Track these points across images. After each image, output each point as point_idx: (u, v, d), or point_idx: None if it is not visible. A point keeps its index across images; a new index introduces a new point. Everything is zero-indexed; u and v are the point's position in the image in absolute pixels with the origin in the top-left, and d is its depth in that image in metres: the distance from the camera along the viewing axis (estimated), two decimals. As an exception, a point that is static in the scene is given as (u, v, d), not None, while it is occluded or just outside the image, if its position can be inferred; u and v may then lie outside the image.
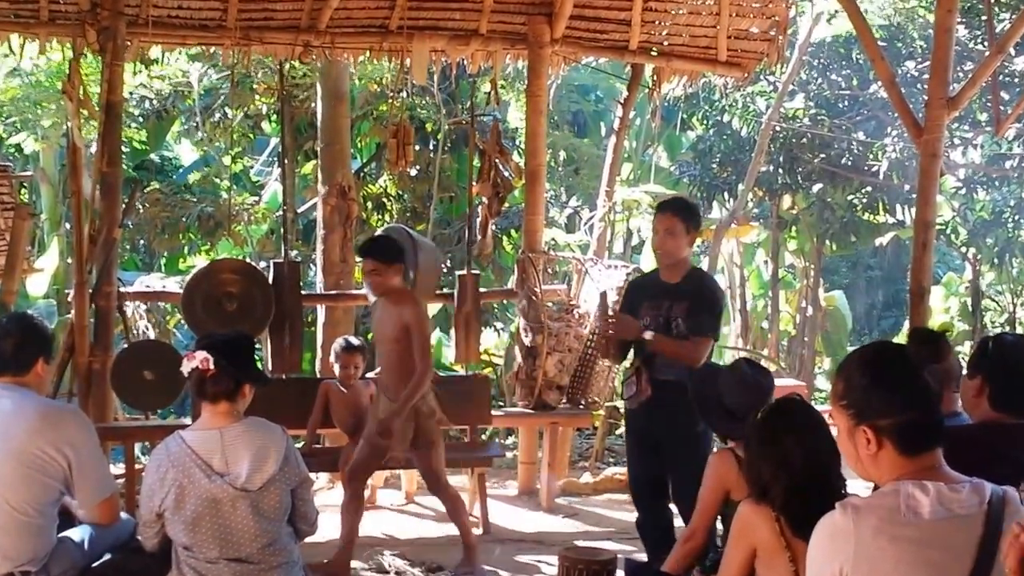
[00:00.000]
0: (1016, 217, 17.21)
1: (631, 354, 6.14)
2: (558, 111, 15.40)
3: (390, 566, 6.85)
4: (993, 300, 20.46)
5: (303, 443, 7.50)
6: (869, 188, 16.60)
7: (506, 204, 9.40)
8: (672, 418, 5.51)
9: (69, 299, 8.09)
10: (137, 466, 7.36)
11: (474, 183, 9.25)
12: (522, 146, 9.36)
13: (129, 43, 8.07)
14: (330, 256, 10.25)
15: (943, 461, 2.77)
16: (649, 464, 6.06)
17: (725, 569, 3.86)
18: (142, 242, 16.68)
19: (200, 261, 14.08)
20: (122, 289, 8.30)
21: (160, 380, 7.35)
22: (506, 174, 9.03)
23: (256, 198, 16.85)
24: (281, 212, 10.23)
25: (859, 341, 20.33)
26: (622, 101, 10.13)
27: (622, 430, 10.47)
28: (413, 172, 13.54)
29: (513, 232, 14.44)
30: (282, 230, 9.75)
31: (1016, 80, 14.27)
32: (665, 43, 9.16)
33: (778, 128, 15.49)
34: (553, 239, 12.48)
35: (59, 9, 7.95)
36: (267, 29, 8.53)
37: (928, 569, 2.64)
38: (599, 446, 10.14)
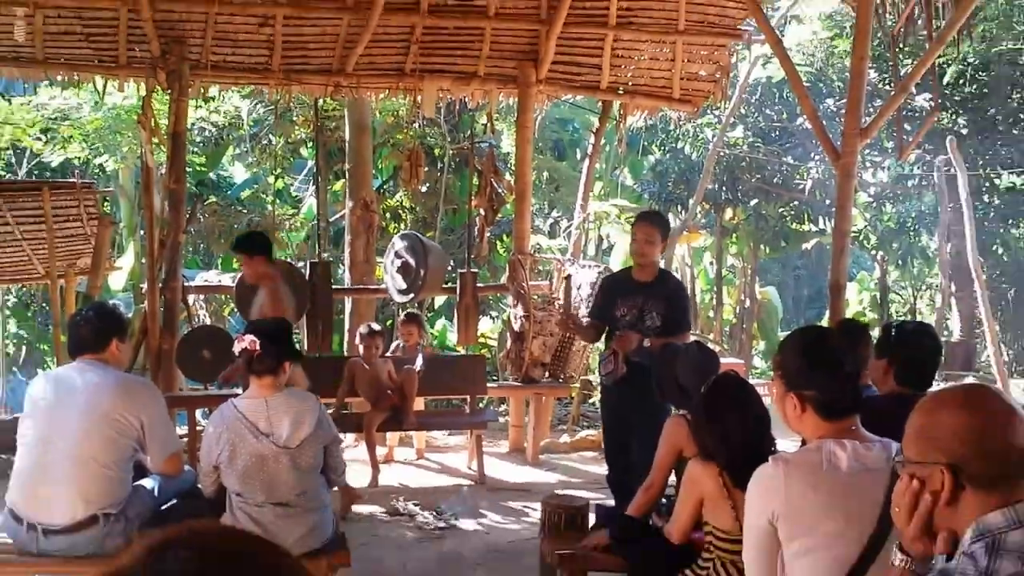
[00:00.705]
0: (917, 226, 17.25)
1: (603, 337, 6.14)
2: (542, 139, 15.39)
3: (404, 509, 6.86)
4: (897, 294, 20.53)
5: (333, 409, 7.50)
6: (796, 202, 16.63)
7: (499, 215, 9.40)
8: (640, 394, 5.49)
9: (143, 292, 8.09)
10: (197, 428, 7.35)
11: (473, 198, 9.24)
12: (513, 167, 9.33)
13: (192, 83, 8.06)
14: (355, 257, 10.23)
15: (860, 425, 2.79)
16: (619, 431, 6.06)
17: (678, 514, 3.87)
18: (202, 245, 16.64)
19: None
20: (185, 284, 8.30)
21: (216, 358, 7.34)
22: (499, 191, 9.03)
23: (295, 210, 16.83)
24: (315, 222, 10.22)
25: (788, 328, 20.31)
26: (594, 131, 10.14)
27: (594, 399, 10.47)
28: (423, 189, 13.51)
29: (505, 237, 14.45)
30: (316, 236, 9.73)
31: (916, 114, 14.28)
32: (630, 83, 9.14)
33: (722, 153, 15.51)
34: (538, 244, 12.47)
35: (135, 55, 7.93)
36: (304, 72, 8.50)
37: (845, 512, 2.65)
38: (575, 412, 10.13)
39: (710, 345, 6.95)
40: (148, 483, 4.47)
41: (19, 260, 9.79)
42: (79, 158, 14.44)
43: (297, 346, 5.42)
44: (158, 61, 7.78)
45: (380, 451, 7.90)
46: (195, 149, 15.09)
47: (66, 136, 13.36)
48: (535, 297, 8.69)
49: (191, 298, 8.81)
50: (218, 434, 4.20)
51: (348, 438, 8.65)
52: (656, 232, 5.91)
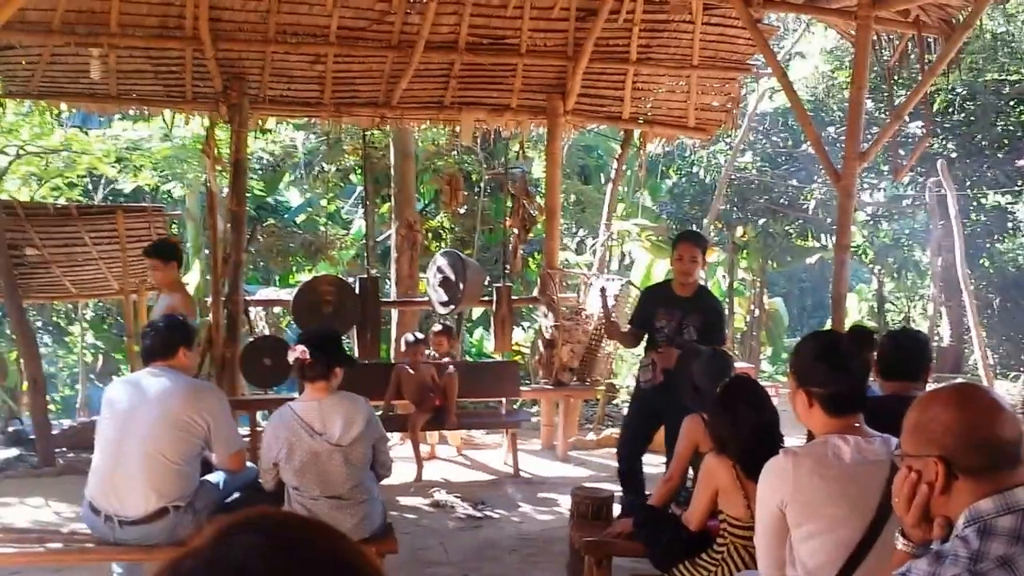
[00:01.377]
0: (910, 242, 17.15)
1: (644, 346, 6.10)
2: (569, 164, 15.39)
3: (445, 502, 6.86)
4: (893, 304, 20.36)
5: (380, 411, 7.52)
6: (801, 221, 16.58)
7: (531, 234, 9.39)
8: (672, 396, 5.41)
9: (208, 306, 8.14)
10: (258, 428, 7.39)
11: (507, 219, 9.26)
12: (543, 191, 9.33)
13: (251, 116, 8.11)
14: (401, 273, 10.26)
15: (863, 421, 2.78)
16: (643, 430, 6.04)
17: (695, 504, 3.86)
18: (262, 263, 16.74)
19: (304, 277, 14.14)
20: (246, 298, 8.35)
21: (275, 365, 7.38)
22: (531, 212, 9.04)
23: (346, 231, 16.91)
24: (364, 241, 10.25)
25: (794, 335, 20.22)
26: (617, 157, 10.11)
27: (618, 400, 10.44)
28: (462, 211, 13.52)
29: (536, 254, 14.38)
30: (365, 254, 9.77)
31: (909, 140, 14.18)
32: (649, 113, 9.12)
33: (733, 176, 15.48)
34: (566, 260, 12.47)
35: (199, 91, 7.99)
36: (353, 105, 8.54)
37: (848, 501, 2.65)
38: (601, 413, 10.09)
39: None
40: (214, 478, 4.49)
41: (96, 277, 9.88)
42: (149, 184, 14.57)
43: (348, 352, 5.41)
44: (220, 96, 7.85)
45: (423, 449, 7.91)
46: (254, 176, 15.21)
47: (138, 165, 13.48)
48: (564, 308, 8.69)
49: (252, 311, 8.85)
50: (277, 434, 4.22)
51: (393, 437, 8.69)
52: (699, 251, 5.87)
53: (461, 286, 8.14)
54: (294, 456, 4.16)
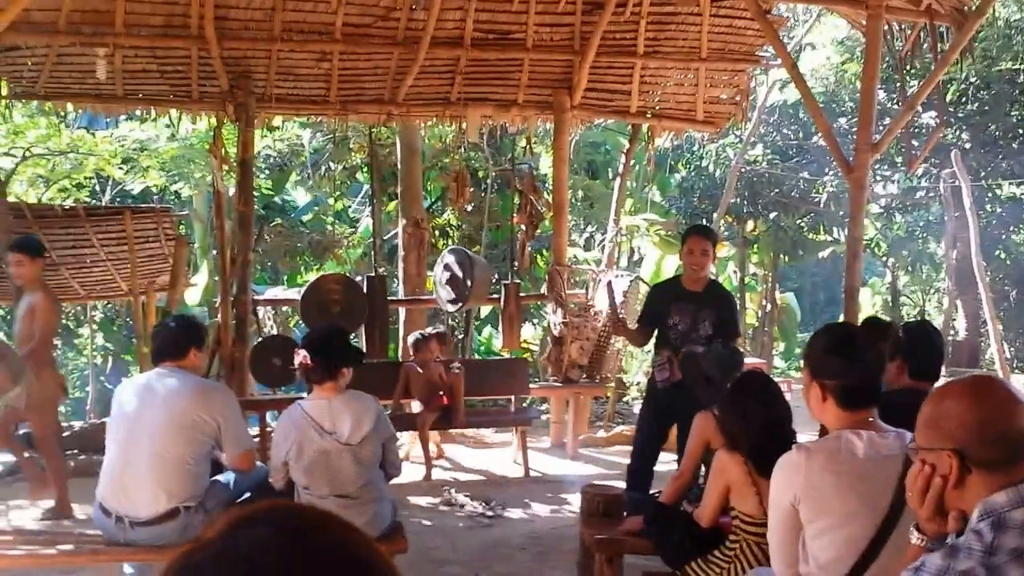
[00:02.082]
0: (924, 234, 17.10)
1: (654, 342, 6.07)
2: (577, 160, 15.38)
3: (455, 500, 6.88)
4: (908, 298, 20.31)
5: (390, 410, 7.54)
6: (813, 214, 16.56)
7: (539, 231, 9.40)
8: (686, 395, 5.37)
9: (217, 306, 8.16)
10: (268, 428, 7.41)
11: (514, 215, 9.26)
12: (550, 187, 9.33)
13: (257, 114, 8.13)
14: (408, 271, 10.25)
15: (877, 416, 2.77)
16: (657, 427, 6.00)
17: (706, 500, 3.86)
18: (269, 263, 16.80)
19: (312, 276, 14.18)
20: (255, 298, 8.36)
21: (284, 365, 7.40)
22: (539, 208, 9.03)
23: (353, 229, 16.94)
24: (371, 239, 10.27)
25: (807, 330, 20.16)
26: (625, 152, 10.11)
27: (629, 397, 10.43)
28: (469, 208, 13.55)
29: (544, 251, 14.43)
30: (372, 252, 9.78)
31: (923, 131, 14.13)
32: (657, 107, 9.10)
33: (743, 170, 15.45)
34: (574, 256, 12.47)
35: (205, 90, 8.02)
36: (359, 102, 8.55)
37: (861, 496, 2.65)
38: (611, 410, 10.09)
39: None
40: (224, 478, 4.51)
41: (105, 279, 9.92)
42: (157, 185, 14.63)
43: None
44: (227, 95, 7.87)
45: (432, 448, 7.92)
46: (261, 175, 15.27)
47: (145, 165, 13.53)
48: (572, 305, 8.69)
49: (260, 310, 8.88)
50: (286, 433, 4.24)
51: (403, 436, 8.70)
52: (709, 244, 5.83)
53: (469, 284, 8.14)
54: (304, 455, 4.18)
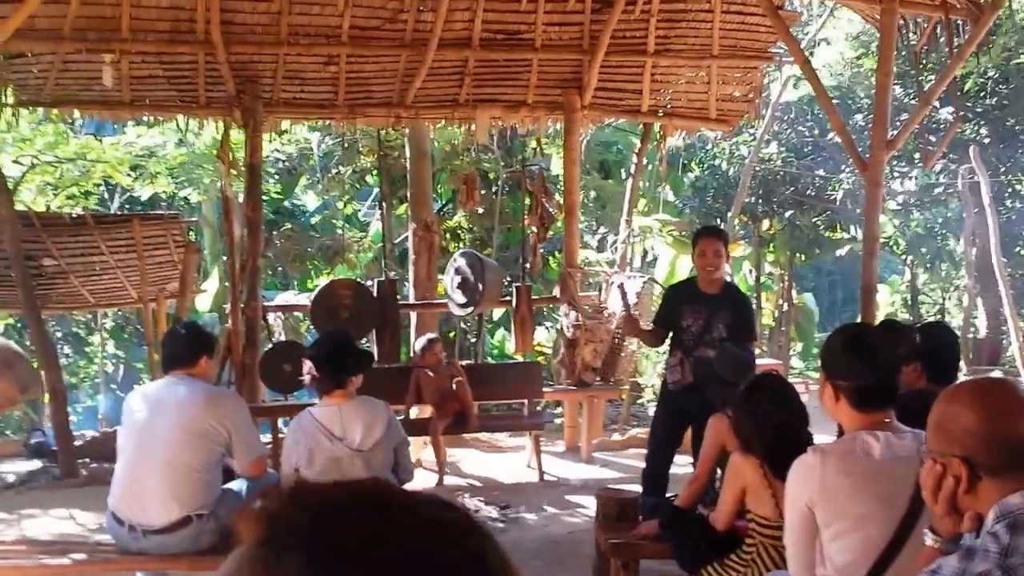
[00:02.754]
0: (943, 231, 17.01)
1: (668, 344, 6.06)
2: (588, 160, 15.35)
3: (469, 505, 6.87)
4: (927, 295, 20.20)
5: (401, 416, 7.56)
6: (829, 212, 16.47)
7: (550, 232, 9.40)
8: (702, 395, 5.35)
9: (227, 312, 8.20)
10: (280, 435, 7.43)
11: (526, 217, 9.27)
12: (561, 188, 9.33)
13: (265, 119, 8.17)
14: (419, 275, 10.27)
15: (893, 417, 2.77)
16: (671, 430, 5.99)
17: (722, 504, 3.86)
18: (279, 268, 16.84)
19: (323, 281, 14.22)
20: (265, 303, 8.40)
21: (295, 371, 7.39)
22: (550, 210, 9.03)
23: (363, 233, 16.97)
24: (382, 243, 10.29)
25: (824, 330, 20.07)
26: (636, 151, 10.11)
27: (643, 400, 10.43)
28: (480, 210, 13.56)
29: (556, 253, 14.40)
30: (383, 256, 9.81)
31: (940, 126, 14.07)
32: (668, 106, 9.10)
33: (757, 168, 15.40)
34: (587, 258, 12.46)
35: (213, 95, 8.06)
36: (368, 105, 8.58)
37: (878, 497, 2.64)
38: (625, 413, 10.10)
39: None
40: (235, 485, 4.53)
41: (114, 286, 9.98)
42: (166, 191, 14.71)
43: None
44: (234, 100, 7.91)
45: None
46: (270, 179, 15.31)
47: (153, 171, 13.61)
48: (585, 307, 8.69)
49: (270, 316, 8.91)
50: (297, 439, 4.26)
51: (416, 441, 8.71)
52: (721, 244, 5.80)
53: (480, 287, 8.15)
54: (314, 462, 4.19)
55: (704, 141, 14.83)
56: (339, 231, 16.75)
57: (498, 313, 14.66)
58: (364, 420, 4.23)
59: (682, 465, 6.25)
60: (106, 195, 15.80)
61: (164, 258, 9.58)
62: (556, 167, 13.73)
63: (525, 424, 8.29)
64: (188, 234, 10.12)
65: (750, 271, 17.46)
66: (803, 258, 17.75)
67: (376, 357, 8.55)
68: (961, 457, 1.91)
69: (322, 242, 15.88)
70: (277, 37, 7.79)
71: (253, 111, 7.85)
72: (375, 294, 8.26)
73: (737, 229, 16.25)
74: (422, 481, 7.16)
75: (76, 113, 8.34)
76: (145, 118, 8.82)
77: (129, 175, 13.60)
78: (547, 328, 14.46)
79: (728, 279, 6.21)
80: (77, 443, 8.30)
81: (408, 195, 11.11)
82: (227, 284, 9.33)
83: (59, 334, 16.60)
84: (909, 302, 19.12)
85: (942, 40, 6.67)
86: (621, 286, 6.66)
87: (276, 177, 15.83)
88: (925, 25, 6.92)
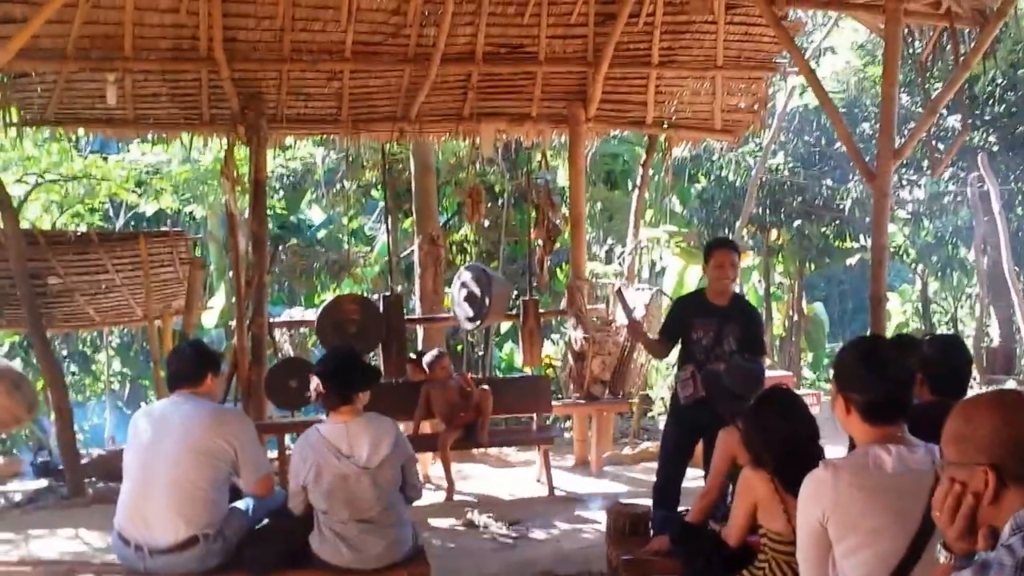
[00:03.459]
0: (954, 240, 16.97)
1: (676, 355, 6.04)
2: (594, 172, 15.36)
3: (479, 521, 6.86)
4: (939, 305, 20.13)
5: (411, 431, 7.56)
6: (838, 221, 16.45)
7: (557, 245, 9.40)
8: (713, 409, 5.30)
9: (233, 329, 8.21)
10: (287, 452, 7.43)
11: (532, 230, 9.27)
12: (567, 200, 9.34)
13: (269, 135, 8.20)
14: (425, 289, 10.27)
15: (906, 430, 2.76)
16: (682, 444, 5.96)
17: (733, 519, 3.84)
18: (285, 283, 16.87)
19: (329, 296, 14.23)
20: (271, 319, 8.40)
21: (301, 387, 7.40)
22: (556, 222, 9.03)
23: (369, 247, 17.00)
24: (387, 257, 10.31)
25: (835, 340, 20.03)
26: (642, 163, 10.12)
27: (653, 413, 10.40)
28: (486, 223, 13.57)
29: (563, 265, 14.40)
30: (389, 270, 9.82)
31: (948, 134, 14.06)
32: (673, 117, 9.12)
33: (764, 178, 15.42)
34: (594, 270, 12.45)
35: (217, 112, 8.10)
36: (371, 120, 8.61)
37: (891, 512, 2.62)
38: (635, 426, 10.07)
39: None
40: (242, 504, 4.52)
41: (120, 304, 9.99)
42: (171, 208, 14.74)
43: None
44: (238, 117, 7.94)
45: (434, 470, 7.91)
46: (275, 195, 15.35)
47: (158, 188, 13.65)
48: (593, 320, 8.69)
49: (277, 332, 8.92)
50: (304, 457, 4.26)
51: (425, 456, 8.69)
52: (736, 255, 5.81)
53: (487, 301, 8.15)
54: (322, 479, 4.19)
55: (710, 152, 14.83)
56: (345, 246, 16.79)
57: (506, 326, 14.65)
58: (371, 437, 4.24)
59: (694, 479, 6.23)
60: (111, 212, 15.85)
61: (169, 275, 9.59)
62: (562, 179, 13.75)
63: (534, 438, 8.27)
64: (193, 250, 10.12)
65: (759, 281, 17.43)
66: (813, 268, 17.73)
67: (383, 372, 8.57)
68: (988, 465, 1.89)
69: (328, 257, 15.92)
70: (280, 54, 7.82)
71: (257, 127, 7.87)
72: (381, 309, 8.26)
73: (745, 239, 16.24)
74: (429, 497, 7.15)
75: (80, 131, 8.36)
76: (149, 136, 8.84)
77: (134, 192, 13.65)
78: (555, 341, 14.45)
79: (736, 291, 6.19)
80: (84, 462, 8.31)
81: (413, 209, 11.13)
82: (233, 300, 9.34)
83: (65, 352, 16.63)
84: (920, 311, 19.06)
85: (948, 48, 6.68)
86: (619, 291, 6.65)
87: (281, 192, 15.87)
88: (930, 34, 6.93)
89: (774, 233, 16.82)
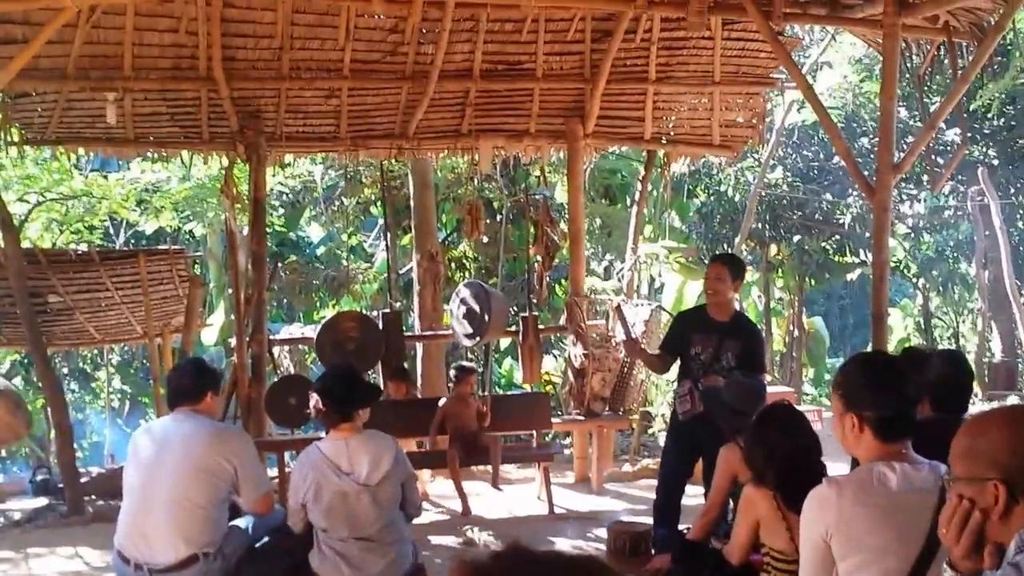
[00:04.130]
0: (955, 254, 17.00)
1: (676, 370, 6.02)
2: (593, 187, 15.40)
3: (479, 540, 6.84)
4: (940, 319, 20.13)
5: (427, 446, 7.58)
6: (837, 236, 16.49)
7: (556, 261, 9.41)
8: (714, 426, 5.30)
9: (232, 346, 8.20)
10: (287, 469, 7.41)
11: (531, 246, 9.28)
12: (566, 216, 9.35)
13: (268, 153, 8.22)
14: (424, 305, 10.29)
15: (911, 447, 2.75)
16: (681, 461, 5.95)
17: (735, 537, 3.83)
18: (285, 300, 16.87)
19: (328, 313, 14.22)
20: (271, 337, 8.39)
21: (301, 404, 7.40)
22: (555, 238, 9.04)
23: (368, 264, 17.01)
24: (387, 274, 10.31)
25: (836, 355, 20.06)
26: (641, 178, 10.13)
27: (654, 429, 10.37)
28: (485, 239, 13.59)
29: (562, 281, 14.40)
30: (388, 287, 9.82)
31: (947, 148, 14.09)
32: (671, 133, 9.13)
33: (763, 194, 15.45)
34: (593, 286, 12.44)
35: (216, 131, 8.11)
36: (370, 137, 8.62)
37: (895, 530, 2.61)
38: (636, 443, 10.04)
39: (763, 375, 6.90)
40: (242, 522, 4.52)
41: (120, 322, 10.01)
42: (170, 226, 14.76)
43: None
44: (237, 135, 7.96)
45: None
46: (275, 212, 15.37)
47: (158, 206, 13.67)
48: (593, 336, 8.68)
49: (276, 350, 8.91)
50: (304, 474, 4.25)
51: (425, 473, 8.66)
52: (725, 270, 5.77)
53: (486, 318, 8.14)
54: (322, 497, 4.19)
55: (709, 167, 14.88)
56: (344, 263, 16.80)
57: (505, 342, 14.65)
58: (371, 454, 4.23)
59: (694, 496, 6.21)
60: (112, 230, 15.87)
61: (169, 293, 9.62)
62: (560, 195, 13.77)
63: (534, 455, 8.25)
64: (193, 268, 10.14)
65: (759, 296, 17.44)
66: (813, 283, 17.75)
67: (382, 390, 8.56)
68: (999, 480, 1.88)
69: (327, 274, 15.94)
70: (279, 72, 7.84)
71: (256, 145, 7.90)
72: (381, 325, 8.26)
73: (745, 254, 16.25)
74: (430, 515, 7.12)
75: (81, 150, 8.38)
76: (149, 154, 8.86)
77: (134, 210, 13.67)
78: (555, 357, 14.44)
79: (737, 309, 6.18)
80: (83, 480, 8.29)
81: (412, 225, 11.14)
82: (233, 318, 9.35)
83: (65, 370, 16.63)
84: (922, 326, 19.05)
85: (946, 63, 6.70)
86: (619, 308, 6.64)
87: (280, 210, 15.90)
88: (928, 48, 6.95)
89: (774, 248, 16.85)
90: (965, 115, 12.03)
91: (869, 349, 6.30)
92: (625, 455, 9.94)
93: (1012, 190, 15.34)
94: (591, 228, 15.54)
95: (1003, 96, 15.20)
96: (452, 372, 7.87)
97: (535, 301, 9.39)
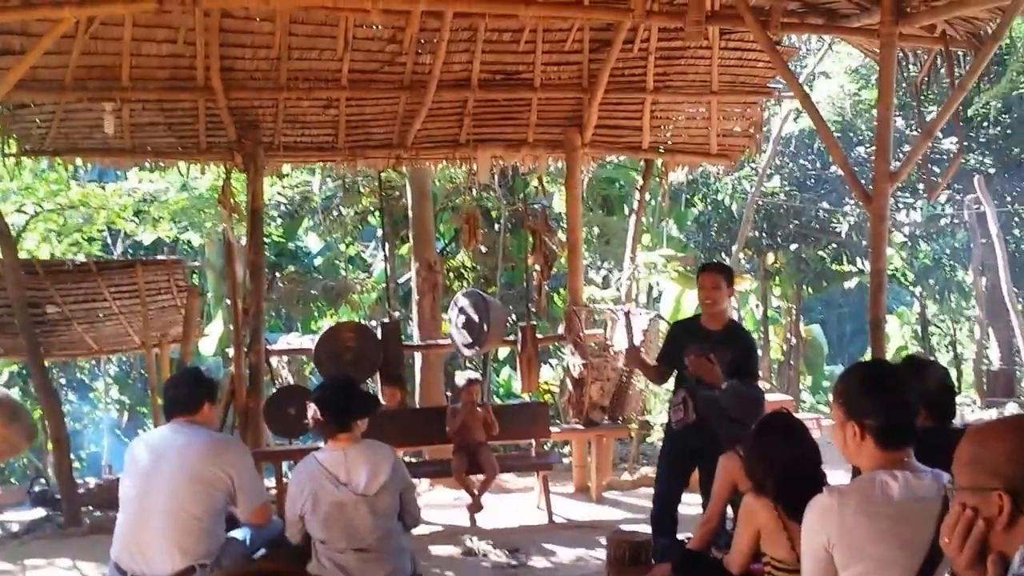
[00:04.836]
0: (951, 262, 17.02)
1: (673, 381, 6.00)
2: (591, 197, 15.39)
3: (478, 549, 6.81)
4: (937, 327, 20.15)
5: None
6: (835, 245, 16.50)
7: (554, 270, 9.40)
8: (709, 434, 5.29)
9: (230, 356, 8.19)
10: (284, 479, 7.38)
11: (529, 255, 9.27)
12: (564, 225, 9.34)
13: (266, 163, 8.21)
14: (423, 315, 10.27)
15: (912, 455, 2.73)
16: (678, 472, 5.92)
17: (736, 547, 3.80)
18: (283, 310, 16.84)
19: (327, 323, 14.20)
20: (269, 347, 8.37)
21: (299, 415, 7.37)
22: (553, 247, 9.04)
23: (367, 274, 17.00)
24: (385, 284, 10.29)
25: (834, 363, 20.05)
26: (639, 187, 10.14)
27: (652, 438, 10.36)
28: (483, 249, 13.57)
29: (561, 290, 14.41)
30: (386, 297, 9.80)
31: (944, 157, 14.11)
32: (669, 142, 9.14)
33: (760, 202, 15.46)
34: (592, 295, 12.44)
35: (213, 141, 8.11)
36: (368, 147, 8.63)
37: (897, 539, 2.60)
38: (635, 451, 10.02)
39: (760, 384, 6.88)
40: (240, 534, 4.49)
41: (117, 332, 9.98)
42: (168, 236, 14.75)
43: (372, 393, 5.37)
44: (235, 145, 7.96)
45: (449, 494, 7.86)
46: (272, 222, 15.36)
47: (156, 216, 13.66)
48: (591, 345, 8.67)
49: (274, 360, 8.89)
50: (301, 485, 4.23)
51: (423, 483, 8.64)
52: (721, 278, 5.76)
53: (485, 327, 8.13)
54: (319, 508, 4.17)
55: (706, 176, 14.89)
56: (342, 273, 16.79)
57: (504, 352, 14.62)
58: (369, 464, 4.21)
59: (691, 505, 6.19)
60: (109, 241, 15.85)
61: (167, 303, 9.59)
62: (559, 204, 13.77)
63: (533, 464, 8.23)
64: (191, 278, 10.12)
65: (756, 305, 17.44)
66: (810, 291, 17.76)
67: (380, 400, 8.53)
68: (1003, 490, 1.86)
69: (325, 284, 15.90)
70: (277, 82, 7.84)
71: (254, 155, 7.90)
72: (379, 335, 8.24)
73: (742, 263, 16.25)
74: (427, 526, 7.10)
75: (79, 161, 8.38)
76: (147, 164, 8.85)
77: (132, 221, 13.66)
78: (553, 366, 14.41)
79: (733, 319, 6.15)
80: (81, 491, 8.26)
81: (410, 235, 11.13)
82: (231, 328, 9.33)
83: (63, 380, 16.60)
84: (919, 334, 19.06)
85: (943, 71, 6.70)
86: (627, 314, 6.63)
87: (278, 220, 15.89)
88: (925, 57, 6.96)
89: (771, 256, 16.86)
90: (961, 124, 12.06)
91: (867, 357, 6.28)
92: (624, 464, 9.92)
93: (1008, 198, 15.36)
94: (589, 237, 15.54)
95: (999, 105, 15.24)
96: (459, 382, 7.83)
97: (533, 310, 9.39)
